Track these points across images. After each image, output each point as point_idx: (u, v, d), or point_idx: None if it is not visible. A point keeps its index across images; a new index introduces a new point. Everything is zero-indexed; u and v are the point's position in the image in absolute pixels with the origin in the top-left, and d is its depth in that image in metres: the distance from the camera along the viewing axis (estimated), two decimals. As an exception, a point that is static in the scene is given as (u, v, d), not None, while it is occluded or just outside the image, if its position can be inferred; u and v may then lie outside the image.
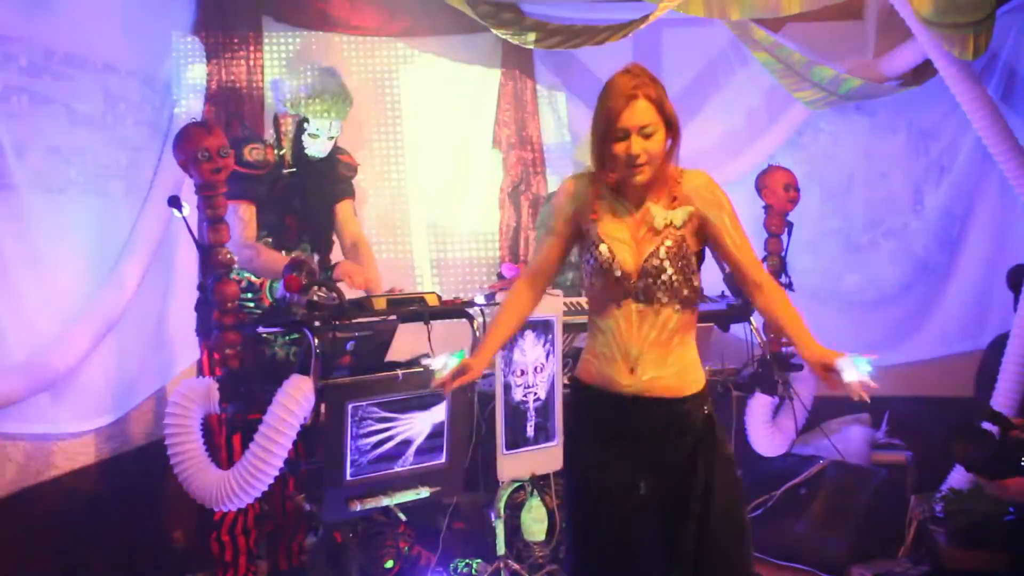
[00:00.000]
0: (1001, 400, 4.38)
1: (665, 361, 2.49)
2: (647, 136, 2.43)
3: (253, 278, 4.00)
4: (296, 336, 3.88)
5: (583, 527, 2.56)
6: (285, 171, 4.08)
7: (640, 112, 2.42)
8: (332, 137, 4.12)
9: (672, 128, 2.46)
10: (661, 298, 2.46)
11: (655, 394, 2.49)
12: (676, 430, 2.51)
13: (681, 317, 2.49)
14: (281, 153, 4.09)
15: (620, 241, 2.50)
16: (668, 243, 2.47)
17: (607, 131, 2.45)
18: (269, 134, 4.21)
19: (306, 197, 4.13)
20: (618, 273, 2.47)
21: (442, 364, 2.49)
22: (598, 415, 2.56)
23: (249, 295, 4.01)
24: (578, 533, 2.58)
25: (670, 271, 2.45)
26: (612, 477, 2.51)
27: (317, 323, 3.38)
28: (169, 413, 3.57)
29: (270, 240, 4.09)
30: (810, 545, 4.48)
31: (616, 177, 2.50)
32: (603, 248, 2.49)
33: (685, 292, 2.48)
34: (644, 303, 2.47)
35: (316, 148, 4.10)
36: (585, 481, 2.56)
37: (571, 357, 4.48)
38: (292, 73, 4.30)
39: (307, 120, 4.05)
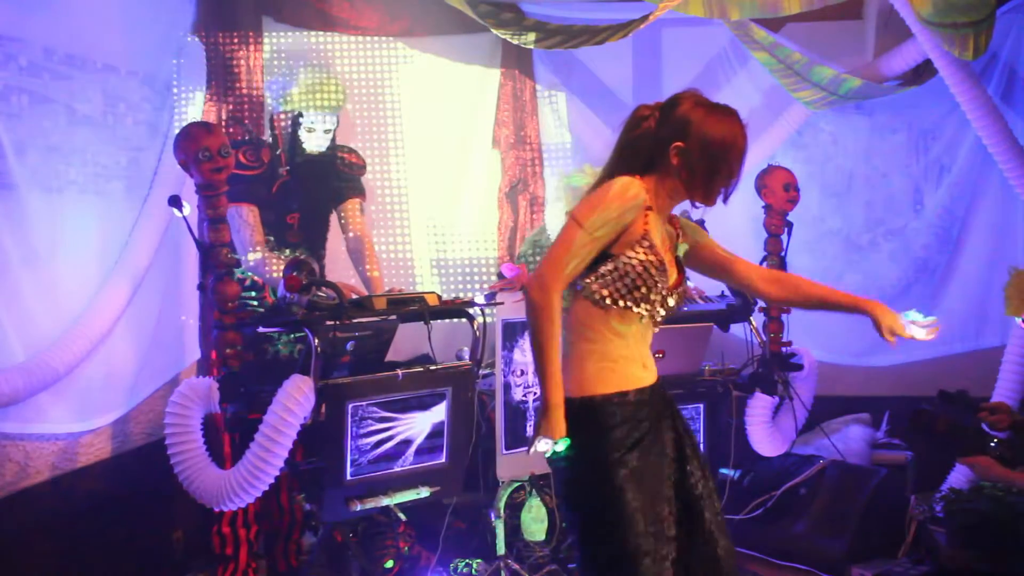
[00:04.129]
0: (1002, 395, 4.40)
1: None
2: None
3: (256, 277, 4.00)
4: (299, 334, 3.88)
5: (644, 538, 2.39)
6: (282, 170, 4.08)
7: None
8: (328, 130, 4.13)
9: None
10: (666, 317, 2.54)
11: (656, 379, 2.57)
12: (669, 403, 2.58)
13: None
14: (278, 152, 4.09)
15: (666, 253, 2.52)
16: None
17: (742, 160, 2.50)
18: (268, 135, 4.22)
19: (304, 196, 4.14)
20: (664, 282, 2.47)
21: (547, 448, 2.41)
22: (631, 417, 2.44)
23: (252, 293, 4.01)
24: (637, 544, 2.39)
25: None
26: (658, 476, 2.45)
27: (317, 323, 3.38)
28: (169, 413, 3.57)
29: (272, 239, 4.09)
30: (810, 545, 4.48)
31: (693, 198, 2.52)
32: (659, 256, 2.46)
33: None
34: (661, 315, 2.52)
35: (313, 143, 4.10)
36: (636, 491, 2.40)
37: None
38: (283, 71, 4.30)
39: (301, 115, 4.06)
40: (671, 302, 2.51)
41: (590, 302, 2.45)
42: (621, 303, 2.43)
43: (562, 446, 2.37)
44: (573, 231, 2.37)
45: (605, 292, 2.43)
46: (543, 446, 2.37)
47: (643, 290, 2.43)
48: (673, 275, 2.52)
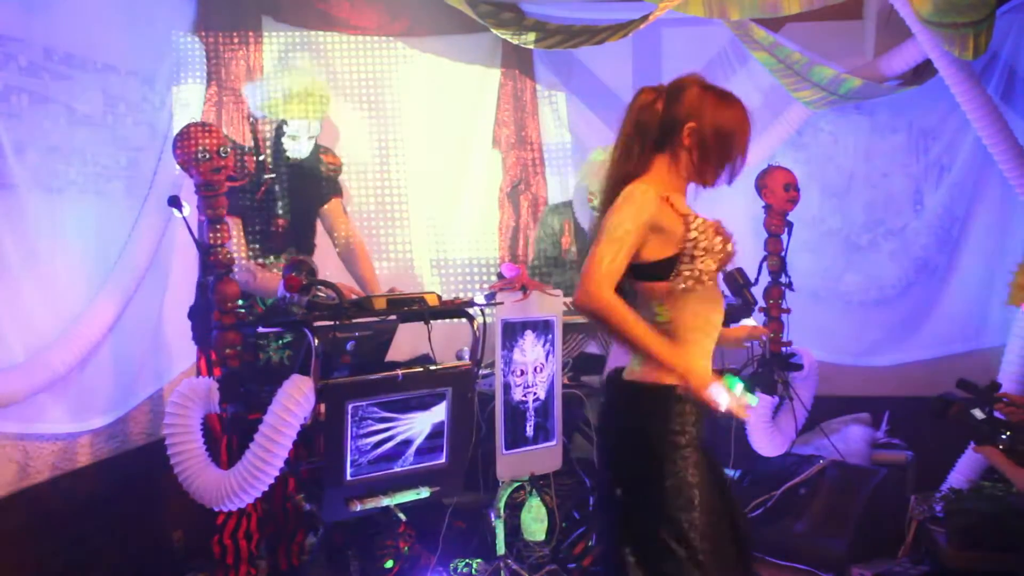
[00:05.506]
0: (1005, 384, 4.41)
1: None
2: None
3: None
4: (290, 340, 3.88)
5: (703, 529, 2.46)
6: (266, 176, 4.06)
7: None
8: (312, 137, 4.11)
9: None
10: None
11: None
12: None
13: None
14: (261, 159, 4.08)
15: None
16: None
17: (748, 142, 2.55)
18: (249, 140, 4.20)
19: (289, 201, 4.12)
20: (731, 249, 2.55)
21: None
22: (699, 416, 2.53)
23: (240, 301, 4.01)
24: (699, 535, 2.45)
25: None
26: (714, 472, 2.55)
27: (317, 323, 3.38)
28: (169, 413, 3.56)
29: (257, 247, 4.08)
30: (810, 545, 4.48)
31: (707, 182, 2.57)
32: (704, 219, 2.53)
33: None
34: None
35: (296, 150, 4.09)
36: (701, 484, 2.47)
37: (571, 358, 4.48)
38: (267, 76, 4.28)
39: (285, 122, 4.04)
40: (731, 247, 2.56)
41: (686, 294, 2.48)
42: (706, 279, 2.48)
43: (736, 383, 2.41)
44: (600, 237, 2.43)
45: (693, 283, 2.48)
46: (738, 398, 2.40)
47: (711, 250, 2.48)
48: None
